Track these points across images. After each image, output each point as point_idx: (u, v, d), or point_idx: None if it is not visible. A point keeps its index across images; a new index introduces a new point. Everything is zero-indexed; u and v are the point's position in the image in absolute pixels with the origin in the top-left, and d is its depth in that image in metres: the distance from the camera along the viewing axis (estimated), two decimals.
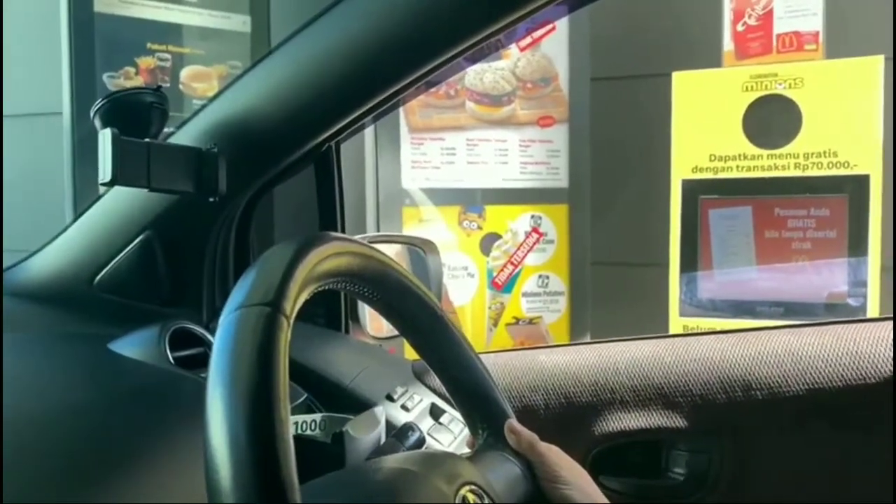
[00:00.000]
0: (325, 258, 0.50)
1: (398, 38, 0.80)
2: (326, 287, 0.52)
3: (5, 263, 0.99)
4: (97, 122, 0.76)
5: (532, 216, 2.57)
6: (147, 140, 0.78)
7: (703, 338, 0.97)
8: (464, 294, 2.55)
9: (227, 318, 0.43)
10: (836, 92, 2.19)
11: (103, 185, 0.75)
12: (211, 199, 0.84)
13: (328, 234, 0.53)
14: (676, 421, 0.93)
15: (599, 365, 0.97)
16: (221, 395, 0.40)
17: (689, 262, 2.33)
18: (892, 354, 0.89)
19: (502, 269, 2.56)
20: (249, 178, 0.88)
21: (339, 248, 0.52)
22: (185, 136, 0.87)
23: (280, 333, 0.43)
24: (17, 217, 2.65)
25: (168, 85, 2.49)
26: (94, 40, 2.36)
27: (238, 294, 0.44)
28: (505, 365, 1.00)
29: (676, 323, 2.34)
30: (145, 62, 2.47)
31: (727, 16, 2.32)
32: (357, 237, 0.78)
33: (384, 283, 0.59)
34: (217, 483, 0.38)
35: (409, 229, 2.43)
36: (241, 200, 0.91)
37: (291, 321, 0.45)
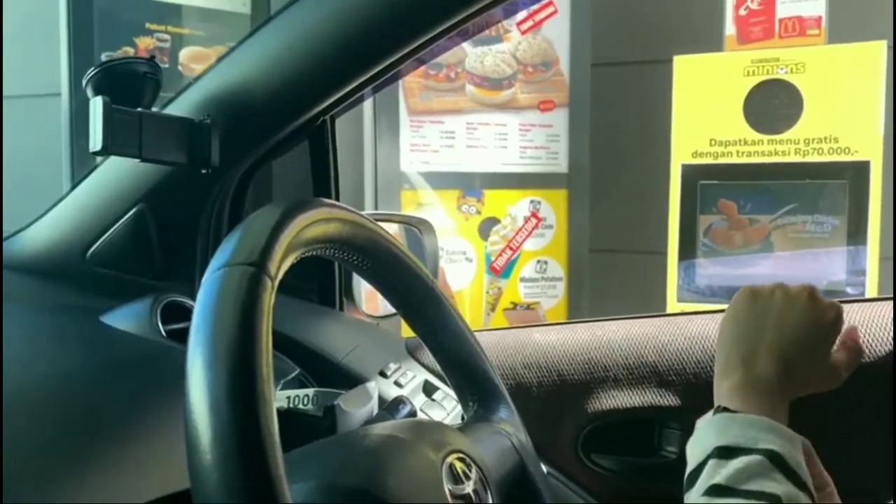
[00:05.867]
0: (313, 223, 0.49)
1: (392, 10, 0.79)
2: (314, 253, 0.52)
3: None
4: (89, 91, 0.76)
5: (531, 201, 2.56)
6: (139, 109, 0.77)
7: (698, 317, 0.97)
8: (462, 278, 2.54)
9: (209, 277, 0.43)
10: (838, 77, 2.18)
11: (94, 153, 0.74)
12: (203, 171, 0.83)
13: (318, 199, 0.52)
14: (670, 399, 0.93)
15: (593, 343, 0.96)
16: (202, 352, 0.39)
17: (688, 248, 2.33)
18: (890, 334, 0.88)
19: (500, 254, 2.56)
20: (243, 151, 0.87)
21: (328, 214, 0.52)
22: (178, 108, 0.86)
23: (264, 293, 0.42)
24: (14, 200, 2.64)
25: (167, 66, 2.47)
26: (93, 21, 2.35)
27: (222, 254, 0.44)
28: (499, 342, 1.00)
29: (674, 309, 2.33)
30: (144, 43, 2.46)
31: (729, 0, 2.30)
32: None
33: (374, 252, 0.58)
34: (196, 441, 0.38)
35: (408, 213, 2.42)
36: (234, 174, 0.90)
37: (276, 283, 0.44)
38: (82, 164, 2.24)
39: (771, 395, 0.60)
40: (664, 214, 2.35)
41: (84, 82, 0.76)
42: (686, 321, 0.96)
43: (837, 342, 0.67)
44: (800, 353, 0.62)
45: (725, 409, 0.60)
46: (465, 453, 0.56)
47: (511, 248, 2.56)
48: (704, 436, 0.58)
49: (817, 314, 0.64)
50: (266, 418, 0.38)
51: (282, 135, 0.88)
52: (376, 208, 2.39)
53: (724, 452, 0.55)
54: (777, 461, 0.55)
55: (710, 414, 0.61)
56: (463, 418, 0.73)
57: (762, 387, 0.60)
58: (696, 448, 0.58)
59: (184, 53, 2.52)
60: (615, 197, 2.73)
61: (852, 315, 0.92)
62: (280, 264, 0.44)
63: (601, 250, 2.70)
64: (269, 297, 0.42)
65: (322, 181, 0.99)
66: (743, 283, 0.70)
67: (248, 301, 0.41)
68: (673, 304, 2.35)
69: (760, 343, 0.63)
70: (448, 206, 2.51)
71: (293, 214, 0.47)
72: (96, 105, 0.73)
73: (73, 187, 0.95)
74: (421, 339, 0.68)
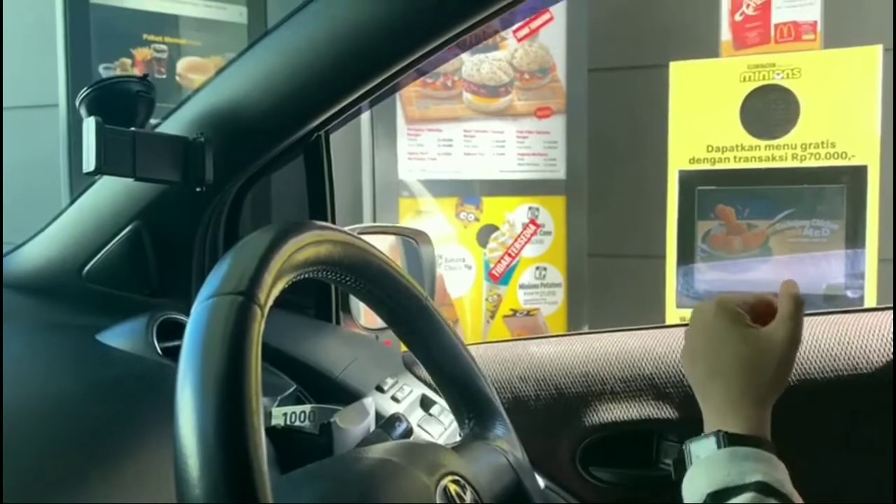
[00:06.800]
0: (304, 246, 0.49)
1: (386, 26, 0.79)
2: (305, 276, 0.52)
3: None
4: (82, 111, 0.76)
5: (529, 208, 2.56)
6: (132, 129, 0.77)
7: None
8: (461, 286, 2.54)
9: (199, 306, 0.42)
10: (834, 82, 2.18)
11: (88, 174, 0.74)
12: (198, 189, 0.83)
13: (308, 221, 0.52)
14: (667, 411, 0.92)
15: (590, 356, 0.96)
16: (191, 384, 0.39)
17: (686, 254, 2.33)
18: (889, 345, 0.88)
19: (500, 261, 2.55)
20: (237, 168, 0.88)
21: (318, 237, 0.52)
22: (172, 126, 0.86)
23: (253, 323, 0.42)
24: (13, 211, 2.65)
25: (165, 76, 2.48)
26: (90, 31, 2.35)
27: (211, 283, 0.44)
28: (495, 356, 0.99)
29: (673, 315, 2.33)
30: (142, 53, 2.46)
31: (725, 6, 2.30)
32: (348, 228, 0.78)
33: (366, 272, 0.58)
34: (185, 474, 0.37)
35: (407, 221, 2.42)
36: (229, 191, 0.90)
37: (266, 311, 0.44)
38: (81, 175, 2.24)
39: (751, 412, 0.63)
40: (662, 219, 2.35)
41: (77, 102, 0.76)
42: (683, 332, 0.96)
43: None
44: (729, 364, 0.64)
45: (725, 433, 0.61)
46: (460, 475, 0.56)
47: (510, 255, 2.56)
48: (697, 479, 0.60)
49: (707, 320, 0.67)
50: (254, 450, 0.38)
51: (276, 151, 0.88)
52: (375, 217, 2.39)
53: (718, 497, 0.57)
54: (766, 490, 0.56)
55: (711, 441, 0.61)
56: (460, 434, 0.73)
57: (731, 409, 0.63)
58: (691, 490, 0.60)
59: (181, 64, 2.52)
60: (613, 202, 2.73)
61: (851, 325, 0.91)
62: (270, 291, 0.44)
63: (600, 256, 2.70)
64: (258, 327, 0.42)
65: (317, 196, 0.99)
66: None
67: (236, 332, 0.41)
68: (672, 310, 2.34)
69: (698, 382, 0.67)
70: (447, 214, 2.51)
71: (283, 239, 0.47)
72: (89, 125, 0.73)
73: (70, 204, 0.95)
74: (416, 357, 0.68)
